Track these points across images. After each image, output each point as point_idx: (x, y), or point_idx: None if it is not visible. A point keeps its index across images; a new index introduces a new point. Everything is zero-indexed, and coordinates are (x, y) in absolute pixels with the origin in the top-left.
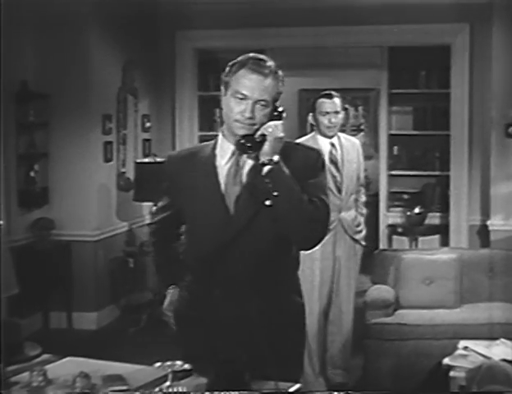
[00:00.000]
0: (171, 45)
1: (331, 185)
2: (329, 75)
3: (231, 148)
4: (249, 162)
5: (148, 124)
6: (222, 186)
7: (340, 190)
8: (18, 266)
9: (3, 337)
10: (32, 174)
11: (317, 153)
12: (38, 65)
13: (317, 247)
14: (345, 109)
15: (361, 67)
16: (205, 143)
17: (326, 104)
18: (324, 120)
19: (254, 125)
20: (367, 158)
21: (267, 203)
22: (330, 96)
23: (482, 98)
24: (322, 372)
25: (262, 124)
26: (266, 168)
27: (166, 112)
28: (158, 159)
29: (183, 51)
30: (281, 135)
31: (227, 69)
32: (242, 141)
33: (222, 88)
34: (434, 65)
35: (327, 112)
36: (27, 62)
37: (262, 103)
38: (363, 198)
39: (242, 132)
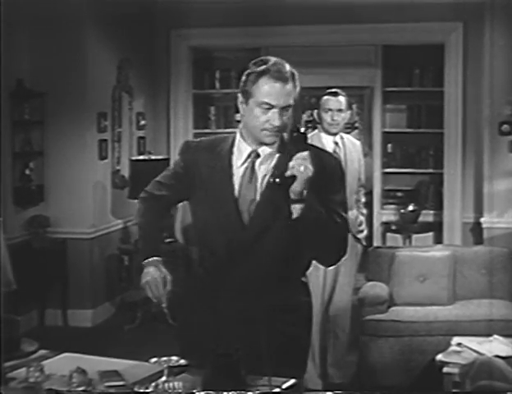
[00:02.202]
0: (166, 43)
1: None
2: (323, 73)
3: (248, 150)
4: (263, 169)
5: (142, 122)
6: (236, 188)
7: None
8: (14, 263)
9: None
10: (27, 172)
11: (336, 161)
12: (33, 63)
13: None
14: (351, 108)
15: (355, 65)
16: (224, 136)
17: (329, 101)
18: (327, 117)
19: (280, 131)
20: None
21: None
22: (335, 94)
23: (475, 96)
24: (323, 370)
25: (285, 126)
26: (296, 209)
27: (161, 110)
28: (153, 157)
29: (178, 49)
30: (311, 170)
31: (244, 78)
32: (272, 180)
33: (241, 96)
34: (428, 63)
35: (330, 109)
36: (23, 61)
37: (288, 108)
38: (363, 198)
39: (269, 140)
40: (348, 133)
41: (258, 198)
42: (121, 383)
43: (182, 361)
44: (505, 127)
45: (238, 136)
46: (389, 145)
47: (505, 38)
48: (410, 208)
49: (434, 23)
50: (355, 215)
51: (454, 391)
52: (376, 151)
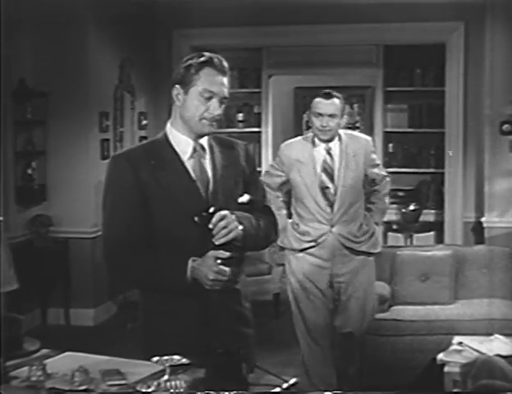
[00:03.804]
0: (168, 43)
1: (318, 198)
2: (324, 73)
3: (191, 143)
4: (208, 162)
5: (144, 121)
6: (192, 175)
7: (331, 204)
8: (16, 263)
9: (3, 332)
10: (30, 171)
11: (245, 146)
12: (36, 63)
13: None
14: (346, 113)
15: (356, 65)
16: (149, 140)
17: (320, 104)
18: (316, 122)
19: (217, 121)
20: None
21: (243, 199)
22: (328, 96)
23: (476, 96)
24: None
25: (221, 119)
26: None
27: (163, 110)
28: None
29: (180, 49)
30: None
31: (183, 69)
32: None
33: (179, 87)
34: (429, 63)
35: (320, 114)
36: (25, 61)
37: (225, 100)
38: (382, 203)
39: (207, 129)
40: None
41: (211, 188)
42: (122, 382)
43: (184, 360)
44: (506, 127)
45: (172, 130)
46: (390, 145)
47: (506, 37)
48: (411, 207)
49: (435, 23)
50: (354, 228)
51: (455, 390)
52: (377, 151)
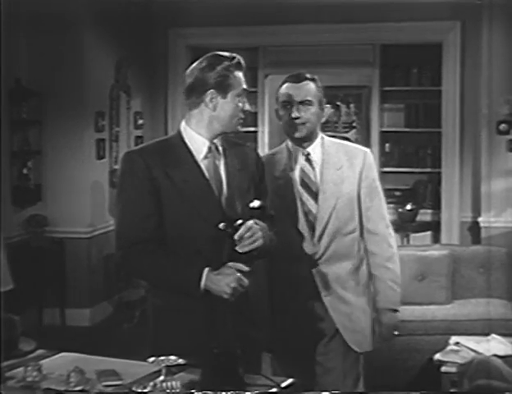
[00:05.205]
0: (164, 42)
1: (301, 221)
2: (321, 72)
3: (206, 143)
4: (222, 163)
5: (140, 121)
6: (206, 173)
7: (313, 231)
8: (11, 263)
9: None
10: (25, 171)
11: (255, 152)
12: (31, 63)
13: None
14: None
15: (353, 65)
16: (162, 138)
17: (287, 90)
18: (285, 115)
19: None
20: None
21: (255, 205)
22: (298, 78)
23: (473, 96)
24: None
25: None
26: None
27: (159, 110)
28: None
29: (176, 48)
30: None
31: (223, 73)
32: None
33: (215, 92)
34: (426, 62)
35: (288, 102)
36: (21, 60)
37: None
38: (388, 249)
39: (241, 126)
40: (346, 133)
41: (225, 191)
42: (118, 383)
43: (180, 360)
44: (503, 126)
45: (187, 130)
46: (387, 145)
47: (502, 37)
48: (408, 207)
49: (432, 22)
50: (347, 269)
51: (452, 390)
52: (374, 150)
